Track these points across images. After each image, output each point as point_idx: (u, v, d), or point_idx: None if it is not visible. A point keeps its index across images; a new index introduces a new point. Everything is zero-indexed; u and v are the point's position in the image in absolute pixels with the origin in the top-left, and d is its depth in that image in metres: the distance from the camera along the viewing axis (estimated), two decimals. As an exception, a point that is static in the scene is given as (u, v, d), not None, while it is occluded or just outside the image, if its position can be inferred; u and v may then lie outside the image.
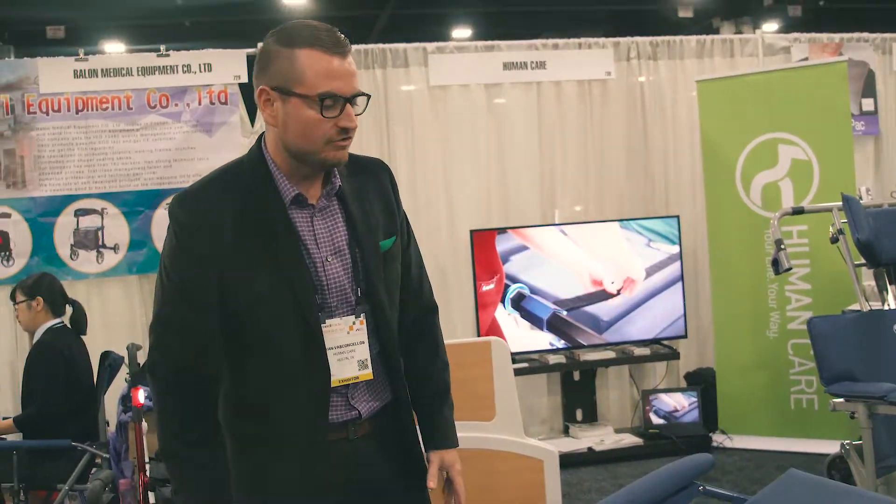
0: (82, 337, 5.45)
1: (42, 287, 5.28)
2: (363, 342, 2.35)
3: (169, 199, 6.29)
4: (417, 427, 2.52)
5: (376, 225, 2.39)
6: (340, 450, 2.34)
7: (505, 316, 6.37)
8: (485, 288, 6.34)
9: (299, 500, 2.31)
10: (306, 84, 2.18)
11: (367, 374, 2.36)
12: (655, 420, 6.58)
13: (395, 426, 2.44)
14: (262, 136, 2.35)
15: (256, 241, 2.25)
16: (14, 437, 5.29)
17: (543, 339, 6.44)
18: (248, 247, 2.24)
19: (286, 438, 2.30)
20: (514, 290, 6.37)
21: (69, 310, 5.39)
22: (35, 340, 5.25)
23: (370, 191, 2.42)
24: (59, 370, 5.09)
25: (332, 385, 2.31)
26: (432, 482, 2.45)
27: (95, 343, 6.05)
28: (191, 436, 2.26)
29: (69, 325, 5.36)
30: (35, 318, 5.27)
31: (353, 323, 2.34)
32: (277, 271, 2.25)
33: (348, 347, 2.33)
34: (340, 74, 2.20)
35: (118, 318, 6.44)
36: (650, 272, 6.58)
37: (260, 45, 2.32)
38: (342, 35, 2.25)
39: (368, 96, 2.29)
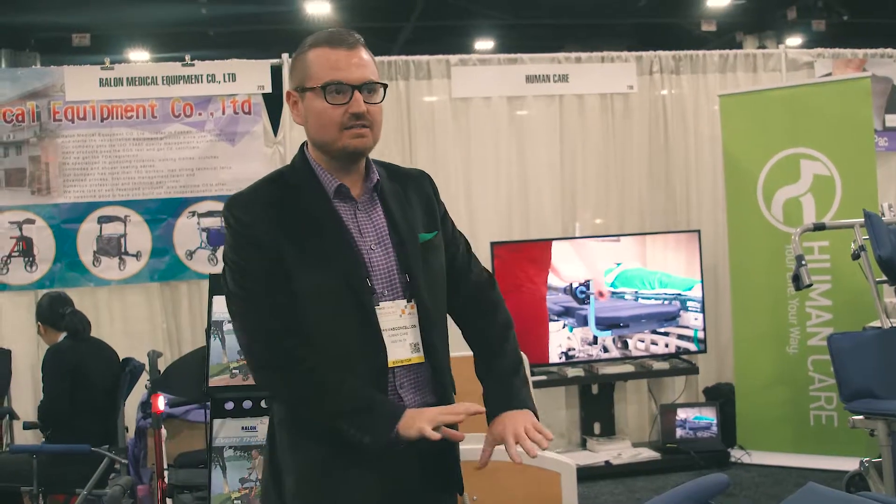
0: (105, 342, 5.55)
1: (40, 311, 5.45)
2: (414, 325, 2.41)
3: (191, 208, 6.39)
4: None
5: (415, 220, 2.48)
6: (381, 455, 2.32)
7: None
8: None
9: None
10: (314, 78, 2.36)
11: (419, 356, 2.41)
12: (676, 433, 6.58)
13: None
14: (304, 143, 2.48)
15: (305, 232, 2.35)
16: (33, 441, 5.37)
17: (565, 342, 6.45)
18: (297, 238, 2.34)
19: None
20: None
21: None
22: None
23: (410, 193, 2.52)
24: (63, 370, 5.19)
25: (389, 365, 2.36)
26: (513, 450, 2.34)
27: (117, 349, 6.10)
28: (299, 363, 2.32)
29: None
30: (48, 338, 5.43)
31: (404, 307, 2.41)
32: (328, 258, 2.34)
33: (401, 330, 2.39)
34: (344, 65, 2.34)
35: (139, 324, 6.48)
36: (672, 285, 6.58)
37: (284, 55, 2.48)
38: (355, 34, 2.41)
39: (385, 85, 2.43)
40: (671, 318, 6.59)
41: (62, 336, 5.34)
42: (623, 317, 6.53)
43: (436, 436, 2.23)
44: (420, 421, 2.25)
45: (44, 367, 5.28)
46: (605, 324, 6.51)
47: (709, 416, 6.60)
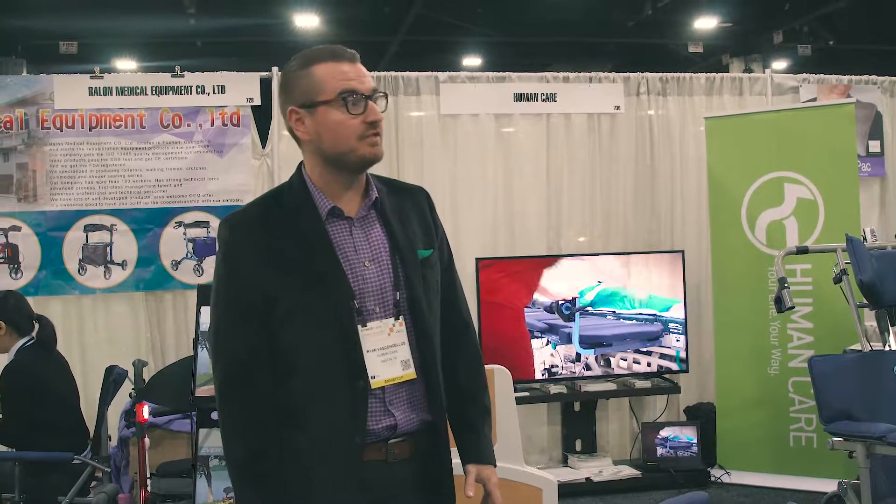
0: (63, 352, 5.40)
1: (4, 310, 5.16)
2: (404, 343, 2.44)
3: (178, 218, 6.38)
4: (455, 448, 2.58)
5: (414, 236, 2.51)
6: (377, 472, 2.39)
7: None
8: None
9: None
10: (326, 91, 2.37)
11: (411, 373, 2.44)
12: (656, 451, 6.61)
13: (432, 454, 2.49)
14: (301, 162, 2.50)
15: (294, 252, 2.37)
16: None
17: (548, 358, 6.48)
18: (286, 258, 2.37)
19: (324, 447, 2.35)
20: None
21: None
22: (8, 361, 5.14)
23: (408, 209, 2.55)
24: (25, 388, 4.95)
25: (378, 385, 2.39)
26: (470, 491, 2.48)
27: (100, 358, 6.11)
28: (246, 446, 2.36)
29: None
30: (1, 341, 5.15)
31: (393, 325, 2.43)
32: (314, 279, 2.36)
33: (391, 348, 2.42)
34: (354, 75, 2.39)
35: (124, 333, 6.47)
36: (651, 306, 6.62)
37: (274, 68, 2.50)
38: (352, 49, 2.45)
39: (386, 95, 2.47)
40: (654, 337, 6.62)
41: (21, 341, 5.12)
42: (607, 335, 6.56)
43: None
44: None
45: (2, 384, 5.01)
46: (588, 342, 6.54)
47: (689, 435, 6.64)
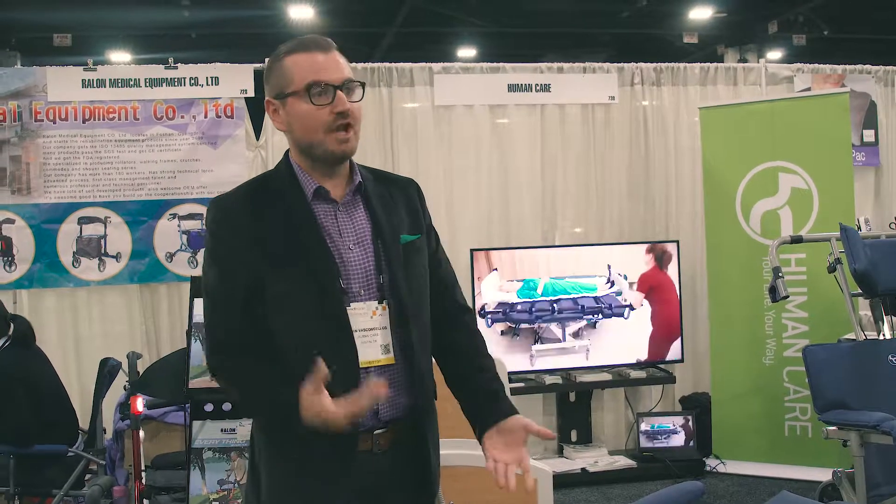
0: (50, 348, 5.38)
1: None
2: (385, 327, 2.42)
3: (172, 210, 6.36)
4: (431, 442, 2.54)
5: (399, 222, 2.50)
6: (364, 463, 2.38)
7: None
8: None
9: None
10: (295, 82, 2.37)
11: (390, 357, 2.42)
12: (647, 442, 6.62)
13: (415, 442, 2.47)
14: (288, 149, 2.52)
15: (280, 232, 2.38)
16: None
17: (534, 359, 6.48)
18: (273, 238, 2.37)
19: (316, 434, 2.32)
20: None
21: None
22: None
23: (395, 196, 2.55)
24: (13, 387, 4.93)
25: (360, 366, 2.37)
26: (535, 428, 2.43)
27: (95, 350, 6.12)
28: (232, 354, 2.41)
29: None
30: None
31: (376, 308, 2.42)
32: (301, 259, 2.36)
33: (371, 331, 2.41)
34: (324, 66, 2.37)
35: (118, 326, 6.46)
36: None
37: (267, 59, 2.46)
38: (328, 39, 2.44)
39: (363, 84, 2.44)
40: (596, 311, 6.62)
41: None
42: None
43: (338, 414, 2.22)
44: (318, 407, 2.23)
45: None
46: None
47: (685, 425, 6.64)
